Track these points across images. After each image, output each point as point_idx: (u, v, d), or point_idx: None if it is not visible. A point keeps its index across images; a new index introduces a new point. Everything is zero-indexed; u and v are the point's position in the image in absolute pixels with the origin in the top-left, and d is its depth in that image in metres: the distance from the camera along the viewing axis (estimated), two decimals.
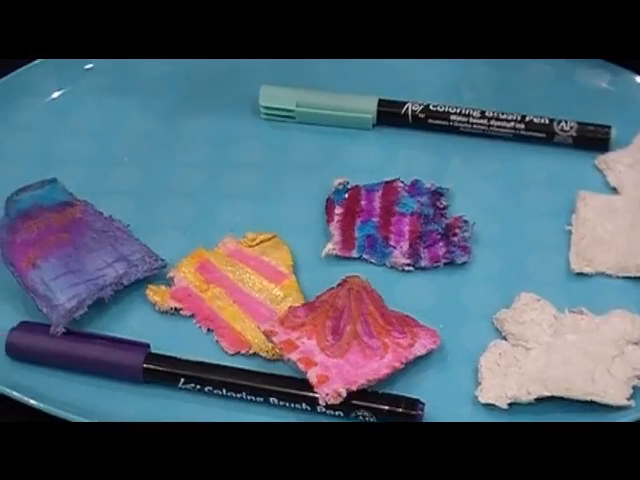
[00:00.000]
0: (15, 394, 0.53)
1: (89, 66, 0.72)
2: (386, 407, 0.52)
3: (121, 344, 0.55)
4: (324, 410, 0.52)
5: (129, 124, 0.71)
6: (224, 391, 0.54)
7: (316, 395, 0.52)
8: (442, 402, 0.53)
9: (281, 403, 0.53)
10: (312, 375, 0.52)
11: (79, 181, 0.64)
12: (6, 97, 0.70)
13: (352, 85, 0.71)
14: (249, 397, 0.54)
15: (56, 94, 0.72)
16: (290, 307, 0.56)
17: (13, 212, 0.60)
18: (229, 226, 0.63)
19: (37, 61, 0.71)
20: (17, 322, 0.56)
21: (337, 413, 0.52)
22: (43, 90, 0.71)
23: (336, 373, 0.52)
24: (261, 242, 0.62)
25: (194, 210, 0.65)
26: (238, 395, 0.54)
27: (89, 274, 0.57)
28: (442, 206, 0.61)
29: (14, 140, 0.69)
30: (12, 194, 0.61)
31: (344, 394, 0.51)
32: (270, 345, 0.55)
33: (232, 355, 0.56)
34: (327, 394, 0.51)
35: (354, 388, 0.52)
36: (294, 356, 0.53)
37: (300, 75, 0.71)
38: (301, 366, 0.53)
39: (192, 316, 0.58)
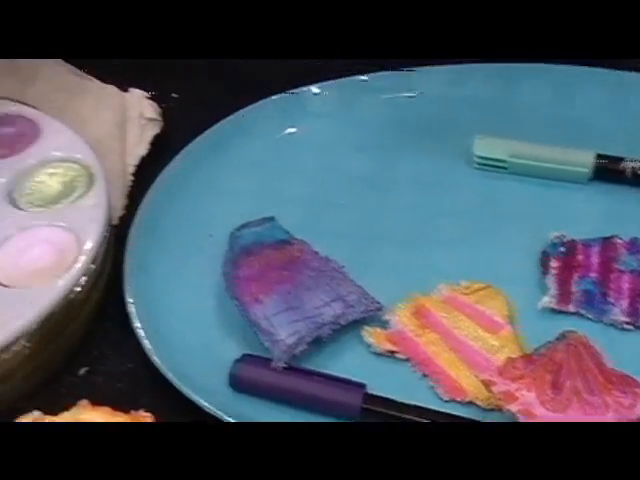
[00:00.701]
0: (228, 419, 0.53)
1: (311, 108, 0.74)
2: None
3: (338, 382, 0.55)
4: None
5: (345, 166, 0.71)
6: None
7: None
8: None
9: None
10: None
11: (295, 220, 0.65)
12: (233, 135, 0.71)
13: (563, 138, 0.70)
14: None
15: (278, 134, 0.72)
16: (509, 358, 0.55)
17: (236, 247, 0.61)
18: (443, 272, 0.62)
19: (261, 102, 0.73)
20: (238, 354, 0.57)
21: None
22: (266, 130, 0.72)
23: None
24: (476, 291, 0.61)
25: (408, 254, 0.65)
26: None
27: (308, 312, 0.58)
28: None
29: (237, 177, 0.70)
30: (235, 230, 0.63)
31: None
32: (487, 394, 0.55)
33: (447, 401, 0.55)
34: None
35: None
36: (514, 407, 0.52)
37: (514, 127, 0.71)
38: (521, 418, 0.52)
39: (407, 360, 0.58)
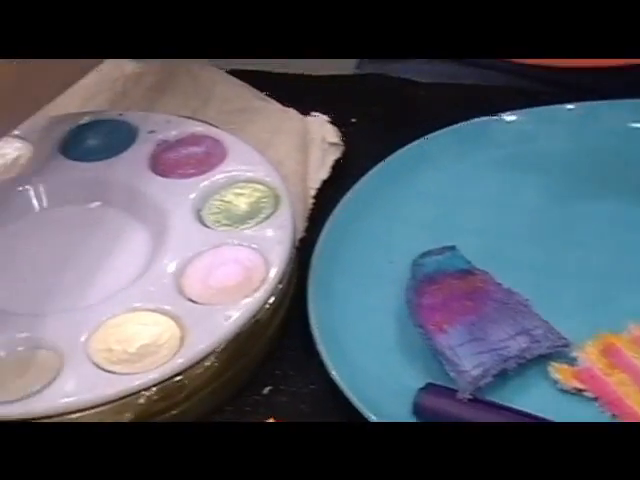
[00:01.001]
0: None
1: (499, 137, 0.74)
2: None
3: (524, 417, 0.55)
4: None
5: (525, 198, 0.71)
6: None
7: None
8: None
9: None
10: None
11: (476, 250, 0.65)
12: (415, 163, 0.72)
13: None
14: None
15: (456, 165, 0.73)
16: None
17: (419, 275, 0.62)
18: (632, 311, 0.61)
19: (445, 130, 0.73)
20: (421, 381, 0.57)
21: None
22: (449, 158, 0.73)
23: None
24: None
25: (594, 291, 0.64)
26: None
27: (493, 344, 0.57)
28: None
29: (418, 205, 0.70)
30: (417, 257, 0.63)
31: None
32: None
33: None
34: None
35: None
36: None
37: None
38: None
39: (595, 399, 0.57)
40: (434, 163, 0.72)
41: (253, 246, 0.63)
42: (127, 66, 0.82)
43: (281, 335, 0.63)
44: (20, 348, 0.58)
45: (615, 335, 0.60)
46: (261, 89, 0.79)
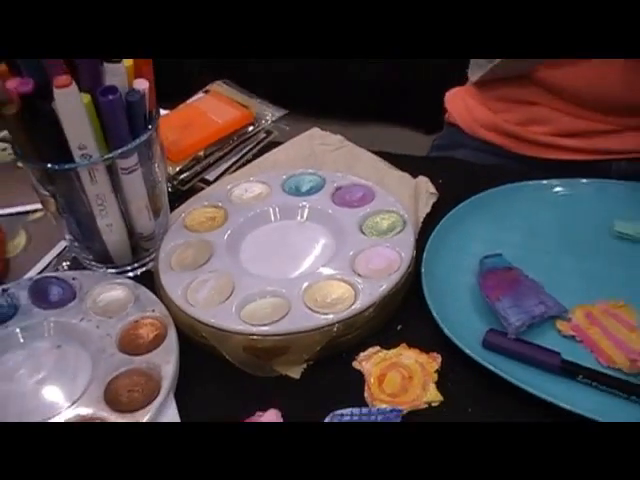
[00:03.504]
0: (489, 366, 0.54)
1: None
2: None
3: (545, 350, 0.56)
4: None
5: (539, 233, 0.69)
6: (603, 386, 0.54)
7: None
8: None
9: (632, 398, 0.52)
10: None
11: (513, 257, 0.65)
12: (473, 209, 0.71)
13: None
14: (613, 390, 0.53)
15: (497, 209, 0.71)
16: None
17: (484, 268, 0.63)
18: (600, 294, 0.61)
19: (487, 191, 0.71)
20: (487, 327, 0.58)
21: None
22: (491, 207, 0.71)
23: None
24: (619, 307, 0.59)
25: (580, 283, 0.62)
26: (607, 388, 0.54)
27: (526, 308, 0.58)
28: None
29: (481, 230, 0.69)
30: (482, 258, 0.64)
31: None
32: (629, 364, 0.54)
33: (605, 367, 0.55)
34: None
35: None
36: None
37: None
38: None
39: (580, 341, 0.58)
40: (484, 209, 0.71)
41: (392, 247, 0.64)
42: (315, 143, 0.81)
43: (407, 296, 0.62)
44: (267, 296, 0.60)
45: (591, 306, 0.60)
46: (390, 162, 0.78)
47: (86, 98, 0.54)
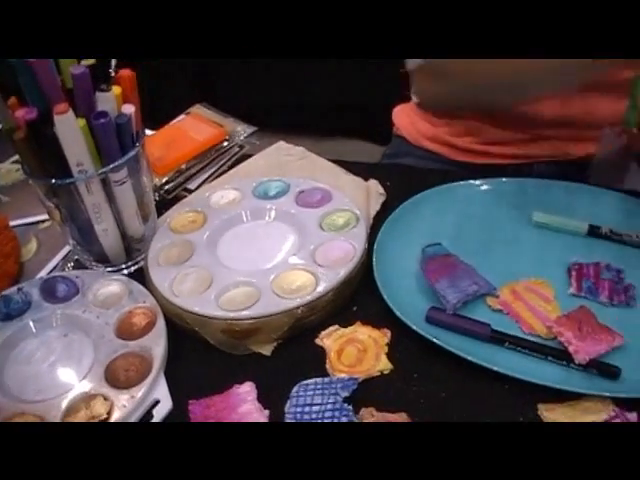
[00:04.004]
0: (431, 338, 0.55)
1: None
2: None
3: (478, 322, 0.57)
4: (573, 365, 0.53)
5: (470, 224, 0.69)
6: (525, 350, 0.55)
7: (571, 357, 0.53)
8: None
9: (549, 358, 0.54)
10: (571, 348, 0.53)
11: (449, 245, 0.65)
12: (415, 206, 0.71)
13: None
14: (534, 353, 0.55)
15: (437, 206, 0.71)
16: (557, 316, 0.57)
17: (425, 256, 0.64)
18: (523, 273, 0.62)
19: (427, 190, 0.71)
20: (429, 305, 0.59)
21: (579, 367, 0.53)
22: (430, 204, 0.71)
23: (581, 347, 0.53)
24: (539, 283, 0.61)
25: (506, 265, 0.63)
26: (529, 351, 0.55)
27: (461, 288, 0.59)
28: None
29: (422, 224, 0.69)
30: (424, 247, 0.65)
31: (587, 359, 0.52)
32: (546, 331, 0.56)
33: (527, 334, 0.57)
34: (579, 358, 0.53)
35: (592, 357, 0.53)
36: (562, 338, 0.55)
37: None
38: (566, 343, 0.54)
39: (507, 314, 0.59)
40: (425, 206, 0.71)
41: (347, 240, 0.64)
42: (281, 154, 0.81)
43: (361, 282, 0.62)
44: (241, 285, 0.60)
45: (515, 283, 0.61)
46: (346, 169, 0.77)
47: (82, 122, 0.56)
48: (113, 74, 0.60)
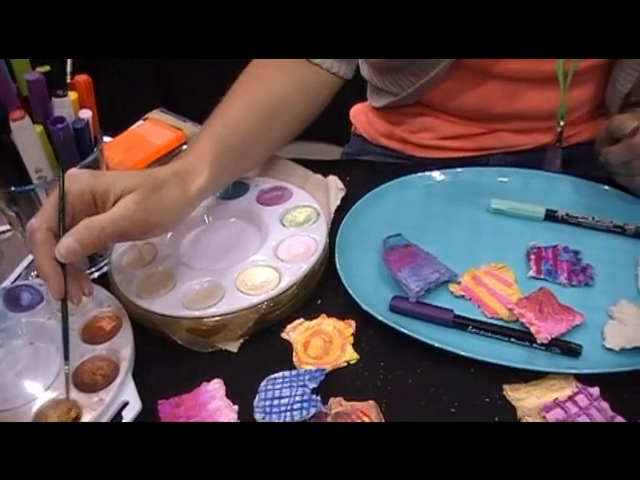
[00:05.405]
0: (395, 326, 0.55)
1: None
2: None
3: (441, 309, 0.57)
4: (536, 345, 0.54)
5: (430, 215, 0.69)
6: (488, 333, 0.56)
7: (534, 338, 0.53)
8: None
9: (512, 340, 0.55)
10: (533, 329, 0.54)
11: (409, 235, 0.65)
12: (375, 198, 0.71)
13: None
14: (497, 336, 0.55)
15: (396, 197, 0.71)
16: (518, 299, 0.58)
17: (386, 246, 0.64)
18: (484, 259, 0.62)
19: (388, 182, 0.70)
20: (392, 294, 0.59)
21: (541, 347, 0.53)
22: (391, 195, 0.71)
23: (543, 327, 0.54)
24: (499, 268, 0.62)
25: (466, 253, 0.64)
26: (492, 334, 0.56)
27: (423, 276, 0.59)
28: None
29: (382, 216, 0.69)
30: (385, 238, 0.64)
31: (548, 338, 0.53)
32: (508, 314, 0.57)
33: (490, 318, 0.57)
34: (541, 338, 0.53)
35: (553, 336, 0.53)
36: (524, 320, 0.55)
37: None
38: (528, 325, 0.55)
39: (469, 299, 0.59)
40: (384, 198, 0.71)
41: (308, 235, 0.64)
42: None
43: (324, 275, 0.62)
44: (205, 284, 0.60)
45: (476, 269, 0.62)
46: (304, 165, 0.76)
47: (39, 128, 0.55)
48: (69, 80, 0.59)
